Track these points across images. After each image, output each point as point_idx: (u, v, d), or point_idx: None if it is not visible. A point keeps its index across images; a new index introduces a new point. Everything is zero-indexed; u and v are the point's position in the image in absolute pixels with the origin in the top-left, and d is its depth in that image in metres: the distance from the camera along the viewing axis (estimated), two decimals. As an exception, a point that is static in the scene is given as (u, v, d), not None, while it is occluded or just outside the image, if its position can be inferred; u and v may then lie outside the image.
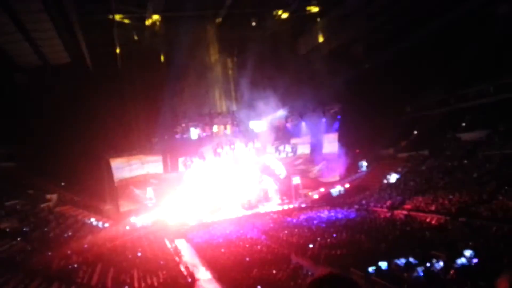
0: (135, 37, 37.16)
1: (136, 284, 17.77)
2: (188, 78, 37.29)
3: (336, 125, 38.10)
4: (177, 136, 35.86)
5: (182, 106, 37.16)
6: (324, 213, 29.43)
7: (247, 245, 21.76)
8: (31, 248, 21.00)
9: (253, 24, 38.90)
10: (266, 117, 36.49)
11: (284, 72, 33.85)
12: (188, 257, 22.86)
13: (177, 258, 21.64)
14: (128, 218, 31.94)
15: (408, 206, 25.23)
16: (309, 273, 15.94)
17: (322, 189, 35.98)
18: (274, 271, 16.50)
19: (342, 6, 34.44)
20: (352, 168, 37.76)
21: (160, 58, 38.42)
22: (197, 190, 33.77)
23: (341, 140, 37.52)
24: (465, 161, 27.56)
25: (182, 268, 19.19)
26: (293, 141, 38.23)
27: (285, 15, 38.16)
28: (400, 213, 24.79)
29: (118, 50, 36.47)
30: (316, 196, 35.40)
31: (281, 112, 37.11)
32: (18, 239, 21.67)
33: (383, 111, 34.71)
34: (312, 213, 30.01)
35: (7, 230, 22.57)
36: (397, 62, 30.99)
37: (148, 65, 36.89)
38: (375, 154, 38.34)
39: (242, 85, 36.46)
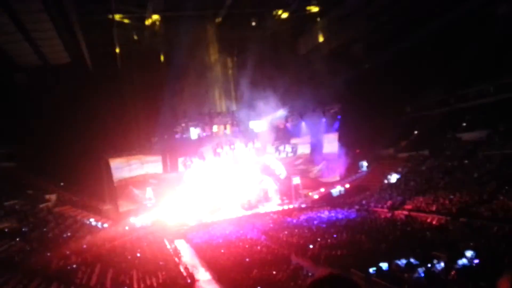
0: (135, 37, 37.14)
1: (135, 285, 17.73)
2: (188, 78, 37.22)
3: (336, 125, 37.98)
4: (177, 136, 35.69)
5: (182, 106, 37.06)
6: (324, 214, 29.34)
7: (247, 246, 21.68)
8: (30, 248, 20.99)
9: (253, 24, 38.80)
10: (266, 117, 36.37)
11: (284, 72, 33.88)
12: (188, 257, 22.78)
13: (176, 259, 21.58)
14: (127, 218, 31.84)
15: (408, 206, 25.18)
16: (309, 273, 15.86)
17: (322, 189, 35.85)
18: (274, 272, 16.41)
19: (342, 6, 34.43)
20: (352, 168, 37.65)
21: (160, 58, 38.41)
22: (197, 190, 33.66)
23: (341, 140, 37.40)
24: (466, 161, 27.53)
25: (182, 269, 19.12)
26: (293, 141, 38.13)
27: (285, 15, 38.10)
28: (401, 213, 24.74)
29: (118, 50, 36.49)
30: (316, 196, 35.30)
31: (281, 112, 36.98)
32: (17, 239, 21.69)
33: (383, 111, 34.71)
34: (312, 214, 29.92)
35: (6, 230, 22.59)
36: (397, 62, 30.98)
37: (148, 65, 36.91)
38: (375, 154, 38.28)
39: (242, 85, 36.37)
